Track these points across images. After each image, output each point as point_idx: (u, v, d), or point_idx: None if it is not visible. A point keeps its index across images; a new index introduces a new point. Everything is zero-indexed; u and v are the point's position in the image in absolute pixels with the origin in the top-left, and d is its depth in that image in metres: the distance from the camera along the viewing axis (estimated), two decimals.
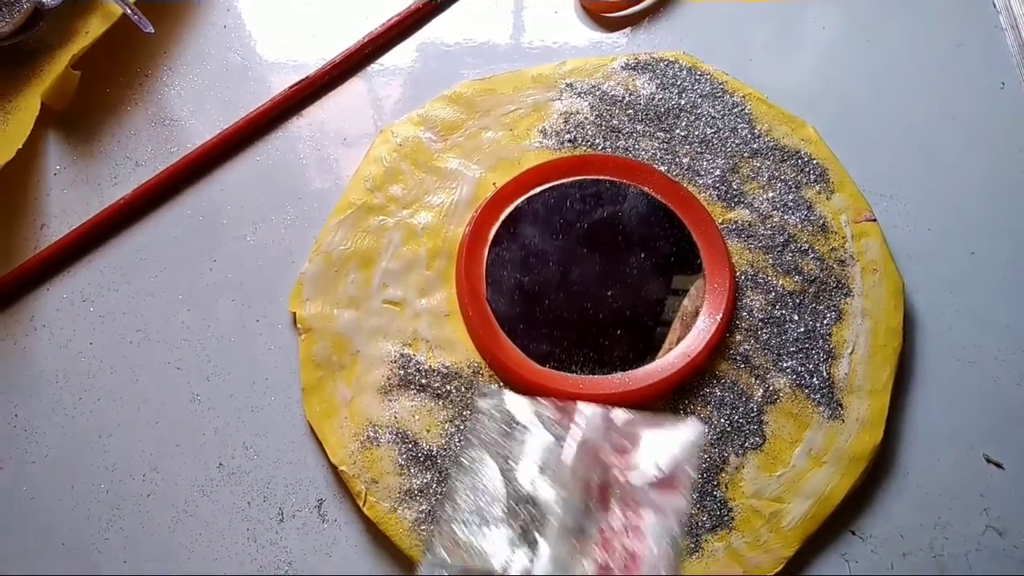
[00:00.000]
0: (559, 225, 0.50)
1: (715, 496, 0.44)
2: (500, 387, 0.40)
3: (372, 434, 0.45)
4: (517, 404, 0.37)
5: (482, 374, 0.47)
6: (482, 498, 0.34)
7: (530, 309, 0.48)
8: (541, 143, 0.54)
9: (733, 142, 0.53)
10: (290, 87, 0.56)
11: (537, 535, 0.33)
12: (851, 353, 0.47)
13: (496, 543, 0.33)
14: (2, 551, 0.45)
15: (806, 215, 0.51)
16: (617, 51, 0.59)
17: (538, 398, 0.37)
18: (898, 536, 0.44)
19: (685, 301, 0.48)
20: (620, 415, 0.36)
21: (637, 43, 0.59)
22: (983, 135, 0.55)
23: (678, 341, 0.47)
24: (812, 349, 0.47)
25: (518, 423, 0.36)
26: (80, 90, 0.56)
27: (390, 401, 0.46)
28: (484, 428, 0.36)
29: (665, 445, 0.35)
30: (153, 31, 0.55)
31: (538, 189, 0.51)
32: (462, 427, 0.45)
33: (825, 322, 0.48)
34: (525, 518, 0.33)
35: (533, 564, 0.32)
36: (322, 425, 0.46)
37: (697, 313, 0.48)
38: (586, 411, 0.36)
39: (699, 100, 0.54)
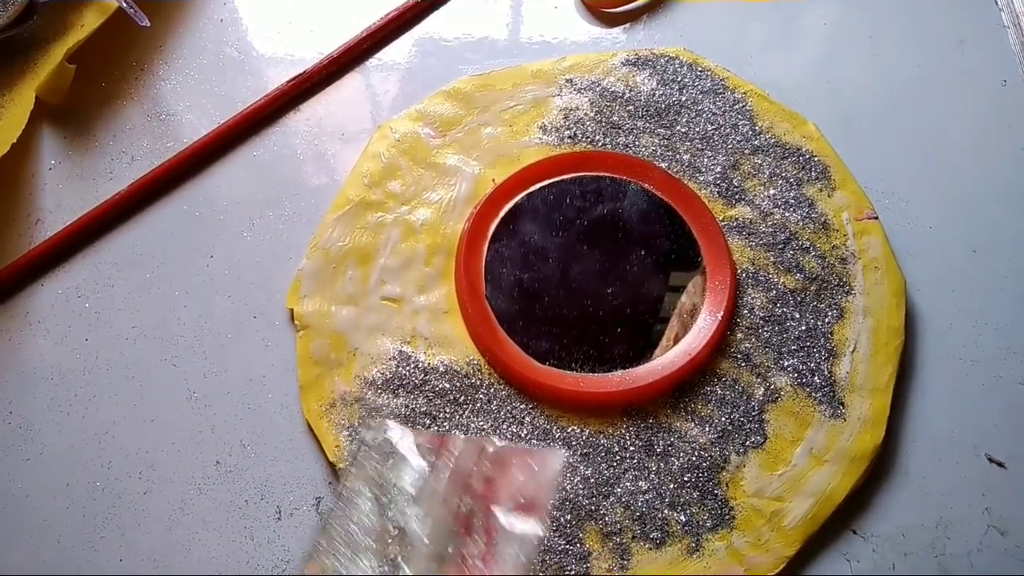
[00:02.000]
0: (559, 222, 0.50)
1: (716, 495, 0.44)
2: (384, 419, 0.40)
3: None
4: (398, 434, 0.38)
5: (481, 371, 0.47)
6: (354, 530, 0.35)
7: (530, 306, 0.48)
8: (541, 139, 0.53)
9: (734, 139, 0.53)
10: (287, 82, 0.56)
11: (403, 562, 0.34)
12: (853, 352, 0.47)
13: (362, 570, 0.34)
14: None
15: (807, 213, 0.50)
16: (617, 47, 0.58)
17: (418, 428, 0.38)
18: (900, 535, 0.44)
19: (683, 297, 0.48)
20: (491, 446, 0.37)
21: (637, 39, 0.58)
22: (985, 132, 0.54)
23: (675, 337, 0.47)
24: (813, 347, 0.47)
25: (397, 453, 0.37)
26: (75, 84, 0.56)
27: (388, 398, 0.46)
28: (365, 459, 0.37)
29: (529, 475, 0.35)
30: (149, 24, 0.54)
31: (538, 186, 0.51)
32: (460, 425, 0.45)
33: (826, 320, 0.48)
34: (394, 547, 0.34)
35: None
36: (320, 423, 0.46)
37: (694, 309, 0.47)
38: (461, 442, 0.37)
39: (700, 96, 0.54)
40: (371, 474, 0.37)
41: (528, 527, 0.35)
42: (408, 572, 0.34)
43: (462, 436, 0.38)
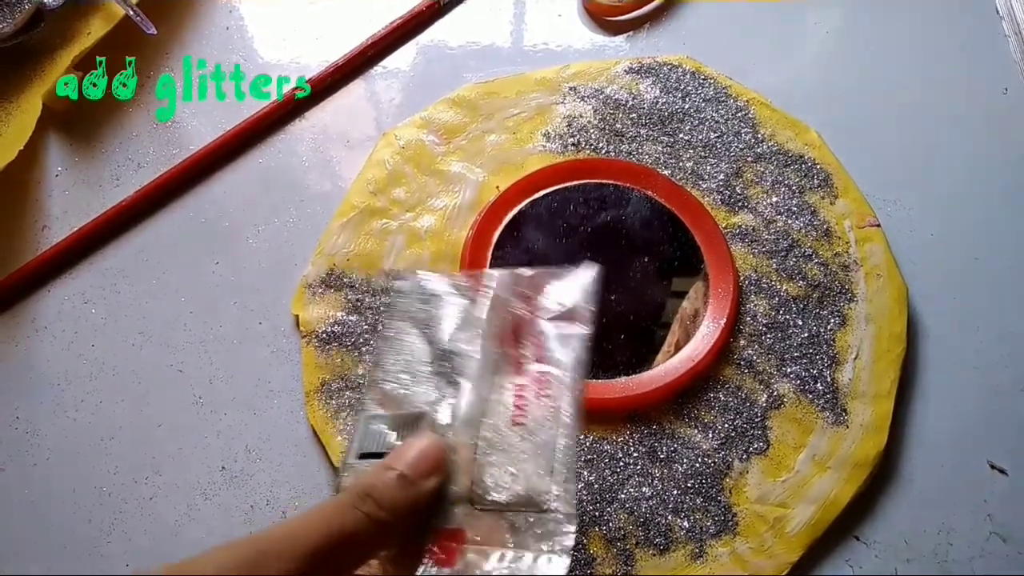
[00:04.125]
0: (562, 229, 0.50)
1: (719, 501, 0.44)
2: (415, 271, 0.42)
3: None
4: (432, 279, 0.40)
5: None
6: (406, 360, 0.37)
7: None
8: (544, 146, 0.53)
9: (737, 146, 0.53)
10: (293, 89, 0.56)
11: (459, 378, 0.36)
12: (855, 358, 0.47)
13: (423, 390, 0.36)
14: (3, 554, 0.45)
15: (810, 220, 0.51)
16: (620, 55, 0.58)
17: (451, 273, 0.40)
18: (902, 542, 0.44)
19: (684, 303, 0.48)
20: (525, 272, 0.39)
21: (640, 47, 0.59)
22: (986, 140, 0.55)
23: (677, 344, 0.47)
24: (816, 354, 0.47)
25: (434, 294, 0.39)
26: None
27: None
28: (404, 303, 0.39)
29: (565, 288, 0.38)
30: (155, 32, 0.55)
31: (541, 193, 0.51)
32: None
33: (829, 327, 0.48)
34: (447, 368, 0.36)
35: (457, 400, 0.35)
36: (325, 429, 0.46)
37: (696, 314, 0.48)
38: (494, 274, 0.39)
39: (703, 104, 0.54)
40: (411, 313, 0.38)
41: (574, 330, 0.36)
42: (466, 382, 0.35)
43: (494, 270, 0.39)
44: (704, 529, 0.44)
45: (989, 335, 0.49)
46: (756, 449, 0.45)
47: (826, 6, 0.60)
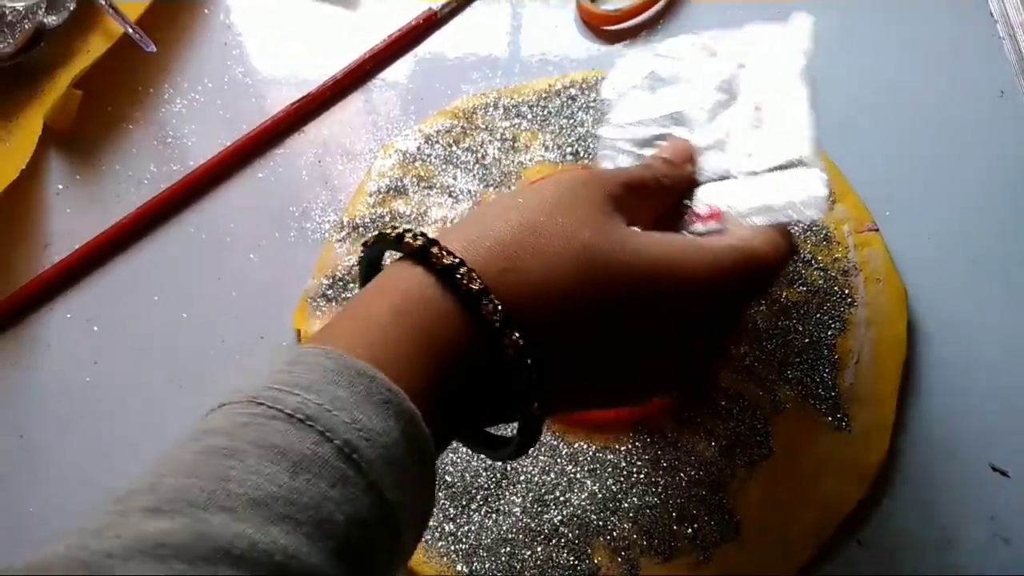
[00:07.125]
0: None
1: (723, 507, 0.44)
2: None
3: None
4: (645, 56, 0.44)
5: None
6: (634, 108, 0.42)
7: None
8: (543, 156, 0.54)
9: None
10: (292, 103, 0.57)
11: (690, 113, 0.41)
12: (856, 363, 0.47)
13: (658, 122, 0.42)
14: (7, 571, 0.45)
15: (809, 226, 0.51)
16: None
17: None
18: (904, 545, 0.44)
19: None
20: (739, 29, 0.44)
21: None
22: (982, 143, 0.55)
23: None
24: (817, 359, 0.47)
25: (652, 62, 0.43)
26: (82, 109, 0.56)
27: None
28: (623, 76, 0.43)
29: (778, 40, 0.42)
30: (154, 49, 0.55)
31: None
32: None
33: (829, 332, 0.48)
34: (678, 109, 0.41)
35: (694, 124, 0.40)
36: None
37: None
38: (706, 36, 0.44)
39: None
40: (634, 81, 0.43)
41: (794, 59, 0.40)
42: (700, 113, 0.40)
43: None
44: (708, 536, 0.44)
45: (989, 337, 0.49)
46: (759, 455, 0.45)
47: (819, 12, 0.60)
